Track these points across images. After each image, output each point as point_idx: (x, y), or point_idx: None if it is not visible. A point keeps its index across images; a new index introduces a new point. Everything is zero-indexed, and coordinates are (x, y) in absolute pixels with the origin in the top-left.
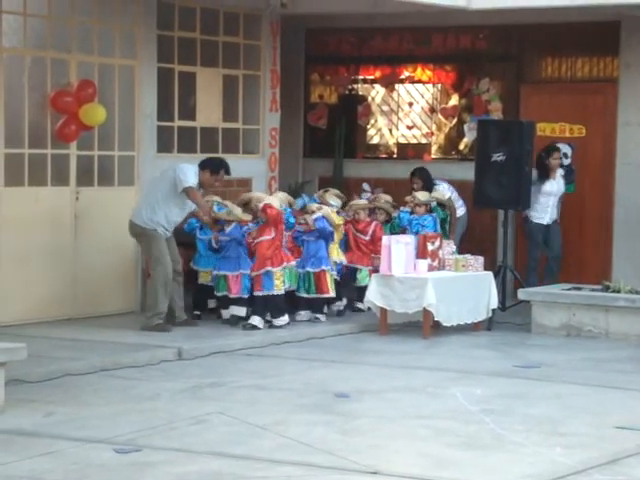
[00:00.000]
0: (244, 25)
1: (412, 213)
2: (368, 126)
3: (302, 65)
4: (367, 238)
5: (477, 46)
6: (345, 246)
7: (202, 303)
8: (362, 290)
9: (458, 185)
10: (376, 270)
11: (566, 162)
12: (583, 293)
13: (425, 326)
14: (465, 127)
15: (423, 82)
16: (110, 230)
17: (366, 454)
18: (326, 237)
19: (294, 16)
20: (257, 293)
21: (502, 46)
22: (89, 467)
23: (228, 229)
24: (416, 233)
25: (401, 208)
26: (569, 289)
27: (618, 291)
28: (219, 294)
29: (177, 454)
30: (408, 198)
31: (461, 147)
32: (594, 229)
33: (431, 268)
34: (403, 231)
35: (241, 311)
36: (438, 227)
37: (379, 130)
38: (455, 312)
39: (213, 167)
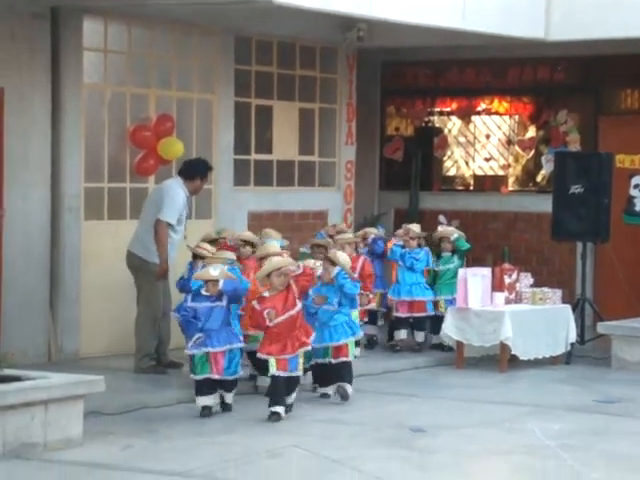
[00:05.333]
0: (320, 59)
1: (404, 247)
2: (444, 158)
3: (378, 98)
4: (355, 275)
5: (555, 78)
6: None
7: None
8: None
9: (536, 218)
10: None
11: None
12: None
13: (502, 360)
14: (542, 159)
15: (500, 114)
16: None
17: None
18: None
19: (370, 49)
20: (280, 373)
21: (580, 78)
22: None
23: (221, 284)
24: (410, 267)
25: (393, 241)
26: None
27: None
28: (199, 377)
29: None
30: (400, 231)
31: (538, 179)
32: None
33: (508, 301)
34: (393, 265)
35: (229, 398)
36: (430, 261)
37: (455, 162)
38: (532, 346)
39: (202, 173)
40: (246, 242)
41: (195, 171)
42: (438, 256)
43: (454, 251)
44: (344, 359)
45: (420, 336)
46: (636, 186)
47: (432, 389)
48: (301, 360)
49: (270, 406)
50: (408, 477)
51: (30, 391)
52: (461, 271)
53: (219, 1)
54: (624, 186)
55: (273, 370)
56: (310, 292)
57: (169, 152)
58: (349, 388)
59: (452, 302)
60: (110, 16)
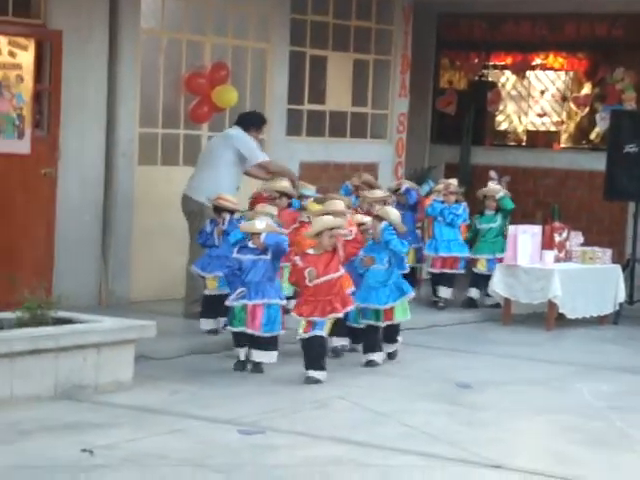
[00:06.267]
0: (376, 10)
1: (443, 202)
2: (497, 113)
3: (433, 50)
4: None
5: (613, 34)
6: None
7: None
8: None
9: (588, 175)
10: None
11: None
12: None
13: (549, 318)
14: (597, 116)
15: (555, 69)
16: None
17: (489, 447)
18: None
19: (426, 1)
20: (305, 335)
21: (639, 35)
22: (214, 447)
23: (263, 237)
24: (449, 223)
25: (432, 197)
26: None
27: None
28: (236, 329)
29: (299, 438)
30: (440, 186)
31: (592, 137)
32: None
33: (557, 259)
34: (430, 220)
35: (272, 357)
36: (467, 216)
37: (508, 117)
38: (581, 305)
39: (257, 125)
40: (282, 193)
41: (250, 122)
42: (481, 214)
43: (498, 210)
44: (389, 322)
45: (446, 292)
46: None
47: (478, 345)
48: (328, 325)
49: (307, 369)
50: (454, 432)
51: (83, 334)
52: (511, 228)
53: None
54: None
55: (300, 332)
56: (360, 253)
57: (223, 100)
58: (392, 348)
59: (493, 262)
60: None
